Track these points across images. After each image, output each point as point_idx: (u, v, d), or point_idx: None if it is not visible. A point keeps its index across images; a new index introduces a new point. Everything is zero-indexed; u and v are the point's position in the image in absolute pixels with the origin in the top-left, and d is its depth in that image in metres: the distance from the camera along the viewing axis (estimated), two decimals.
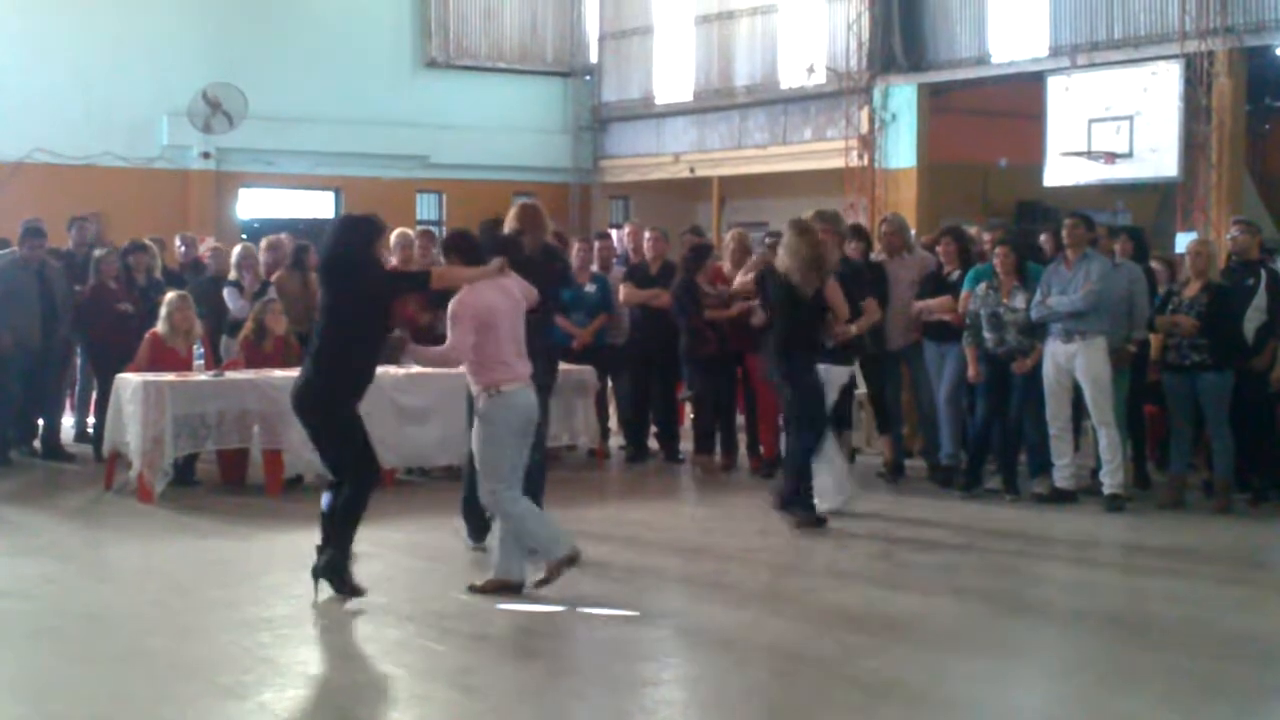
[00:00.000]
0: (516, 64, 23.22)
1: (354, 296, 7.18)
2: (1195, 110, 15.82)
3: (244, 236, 17.76)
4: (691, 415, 12.31)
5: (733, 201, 22.60)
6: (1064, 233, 10.07)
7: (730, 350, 11.25)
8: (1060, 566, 8.57)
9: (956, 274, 10.64)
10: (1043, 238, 10.88)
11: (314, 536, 7.32)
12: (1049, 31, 17.52)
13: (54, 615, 7.08)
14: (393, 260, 11.34)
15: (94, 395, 12.18)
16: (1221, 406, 9.80)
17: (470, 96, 22.54)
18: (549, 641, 6.79)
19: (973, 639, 6.75)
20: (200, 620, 6.97)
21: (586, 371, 11.53)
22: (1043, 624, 7.24)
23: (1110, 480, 9.82)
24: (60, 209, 14.90)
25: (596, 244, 12.50)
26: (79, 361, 12.70)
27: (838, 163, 19.41)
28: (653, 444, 12.18)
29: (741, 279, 10.45)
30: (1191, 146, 15.89)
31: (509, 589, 7.27)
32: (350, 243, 7.26)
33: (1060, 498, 9.97)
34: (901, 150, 19.10)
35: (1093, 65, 16.80)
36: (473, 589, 7.34)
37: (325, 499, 7.29)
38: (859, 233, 11.06)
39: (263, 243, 12.34)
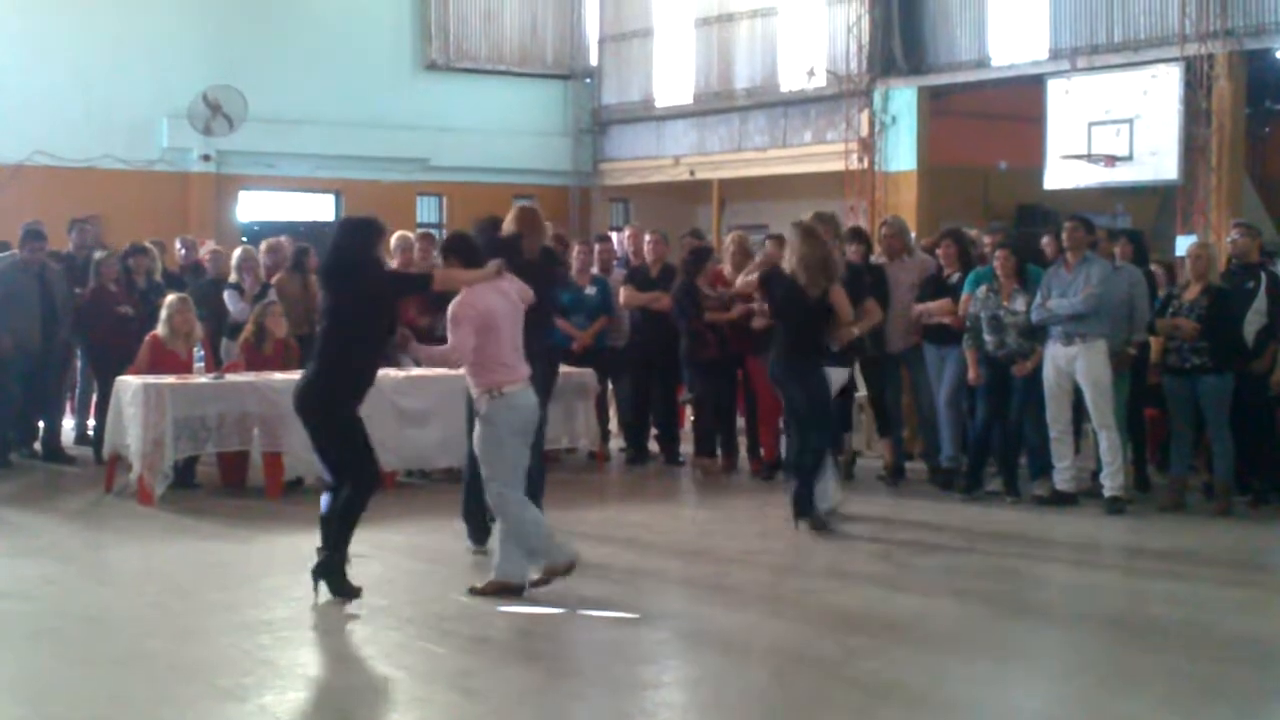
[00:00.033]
0: (516, 67, 23.22)
1: (355, 298, 7.19)
2: (1195, 113, 15.83)
3: (244, 239, 17.76)
4: (692, 418, 12.31)
5: (733, 204, 22.61)
6: (1064, 236, 10.08)
7: (730, 353, 11.25)
8: (1061, 569, 8.56)
9: (956, 277, 10.64)
10: (1045, 240, 10.88)
11: (314, 539, 7.31)
12: (1049, 34, 17.52)
13: (54, 617, 7.08)
14: (393, 263, 11.34)
15: (94, 398, 12.18)
16: (1222, 409, 9.80)
17: (470, 99, 22.54)
18: (549, 644, 6.79)
19: (973, 641, 6.75)
20: (200, 622, 6.97)
21: (587, 374, 11.53)
22: (1043, 626, 7.24)
23: (1111, 483, 9.82)
24: (60, 211, 14.91)
25: (597, 247, 12.51)
26: (79, 364, 12.70)
27: (838, 165, 19.42)
28: (653, 446, 12.18)
29: (745, 279, 10.44)
30: (1191, 149, 15.89)
31: (509, 591, 7.27)
32: (352, 245, 7.27)
33: (1061, 500, 9.97)
34: (901, 153, 19.10)
35: (1093, 68, 16.80)
36: (473, 591, 7.34)
37: (324, 501, 7.29)
38: (859, 235, 11.08)
39: (263, 245, 12.35)
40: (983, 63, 18.40)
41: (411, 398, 10.50)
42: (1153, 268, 11.14)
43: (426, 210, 22.52)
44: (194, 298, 11.25)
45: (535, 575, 7.32)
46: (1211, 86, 15.77)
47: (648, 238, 12.28)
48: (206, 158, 20.17)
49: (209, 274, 12.63)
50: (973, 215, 18.09)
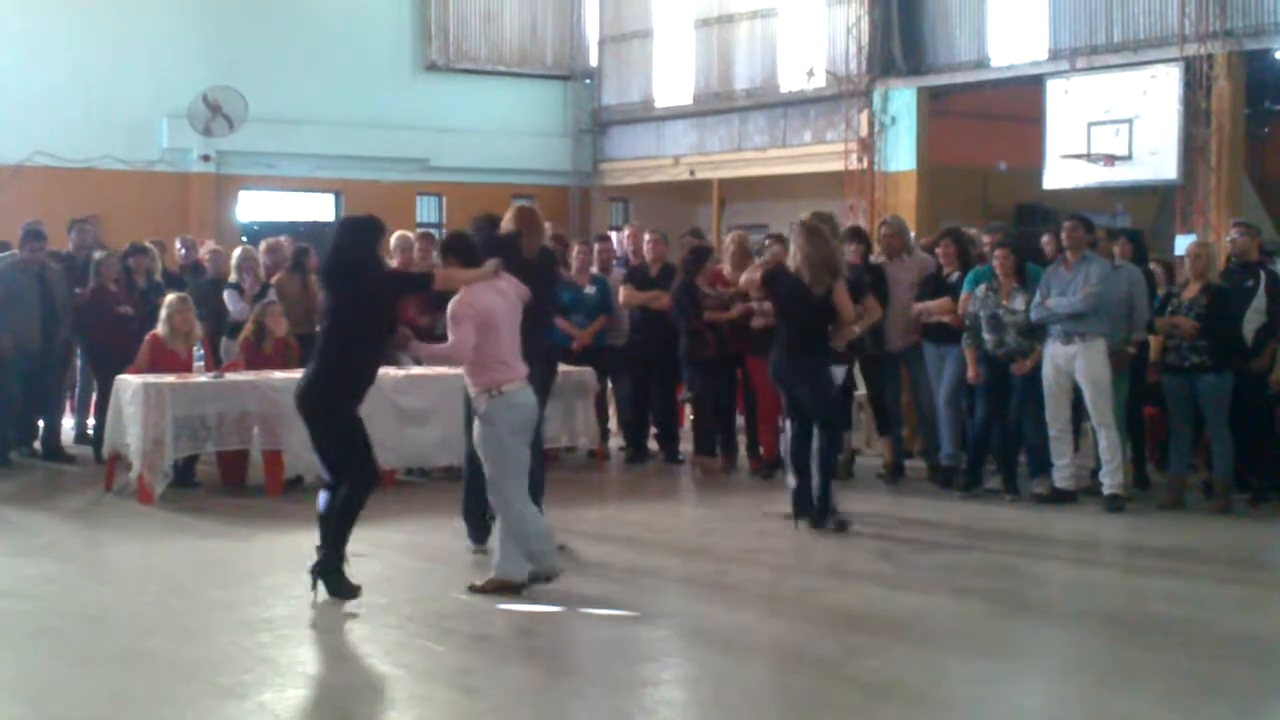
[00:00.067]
0: (516, 67, 23.23)
1: (356, 297, 7.19)
2: (1194, 113, 15.84)
3: (244, 239, 17.76)
4: (691, 416, 12.31)
5: (733, 204, 22.61)
6: (1063, 235, 10.09)
7: (730, 352, 11.25)
8: (1060, 567, 8.56)
9: (956, 276, 10.65)
10: (1045, 239, 10.89)
11: (314, 537, 7.31)
12: (1048, 35, 17.53)
13: (54, 616, 7.09)
14: (393, 263, 11.35)
15: (94, 397, 12.18)
16: (1221, 408, 9.81)
17: (470, 100, 22.55)
18: (549, 642, 6.79)
19: (973, 639, 6.75)
20: (200, 621, 6.97)
21: (586, 373, 11.54)
22: (1043, 624, 7.25)
23: (1110, 481, 9.83)
24: (60, 212, 14.91)
25: (596, 246, 12.51)
26: (79, 363, 12.70)
27: (837, 165, 19.43)
28: (652, 445, 12.19)
29: (749, 277, 10.43)
30: (1191, 149, 15.90)
31: (509, 589, 7.28)
32: (352, 244, 7.28)
33: (1060, 498, 9.97)
34: (901, 153, 19.11)
35: (1092, 68, 16.81)
36: (473, 589, 7.35)
37: (322, 499, 7.29)
38: (858, 235, 11.07)
39: (262, 245, 12.36)
40: (982, 63, 18.41)
41: (411, 396, 10.51)
42: (1152, 267, 11.15)
43: (426, 210, 22.53)
44: (194, 297, 11.25)
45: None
46: (1211, 86, 15.78)
47: (647, 237, 12.29)
48: (206, 158, 20.18)
49: (209, 274, 12.64)
50: (972, 215, 18.10)
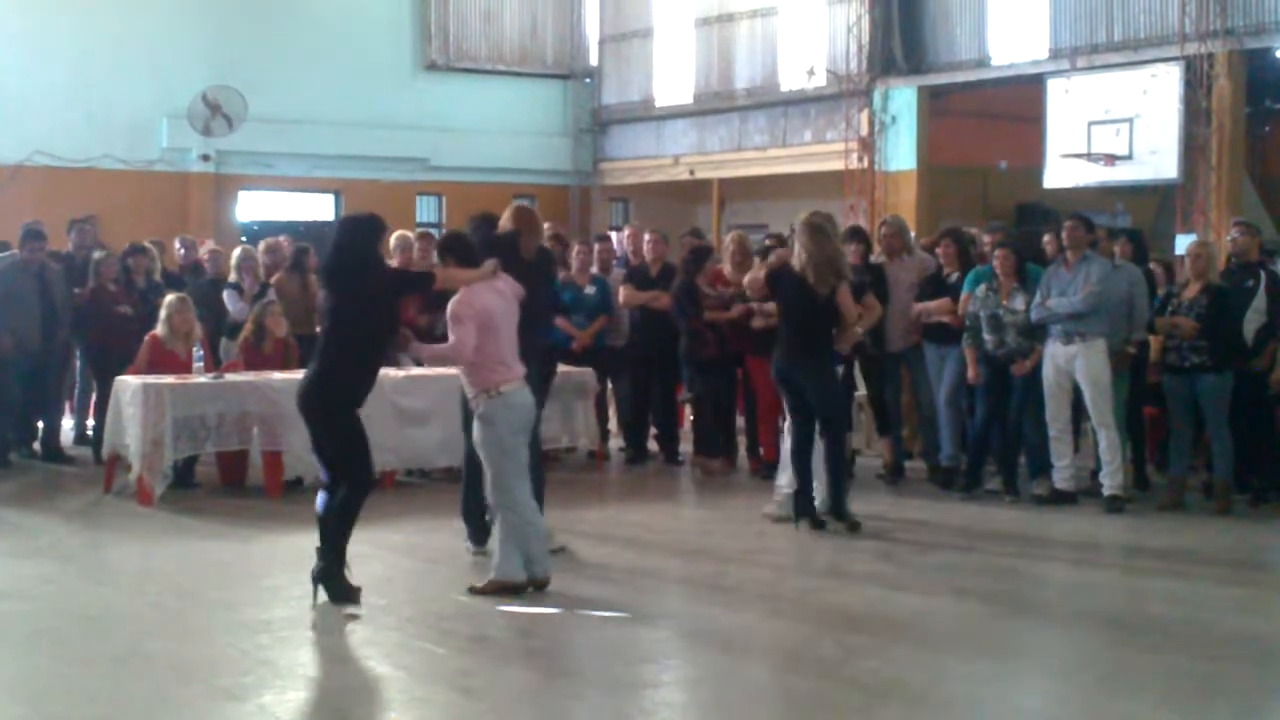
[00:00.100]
0: (516, 66, 23.23)
1: (358, 296, 7.18)
2: (1195, 112, 15.83)
3: (243, 239, 17.77)
4: (691, 417, 12.31)
5: (733, 204, 22.61)
6: (1063, 234, 10.08)
7: (730, 352, 11.25)
8: (1060, 568, 8.56)
9: (956, 276, 10.65)
10: (1046, 239, 10.88)
11: (314, 538, 7.31)
12: (1049, 34, 17.53)
13: (53, 616, 7.08)
14: (393, 263, 11.33)
15: (93, 398, 12.18)
16: (1221, 408, 9.80)
17: (470, 99, 22.55)
18: (549, 643, 6.79)
19: (973, 640, 6.75)
20: (199, 622, 6.97)
21: (586, 373, 11.53)
22: (1043, 625, 7.24)
23: (1110, 482, 9.82)
24: (60, 212, 14.90)
25: (596, 246, 12.50)
26: (78, 364, 12.69)
27: (838, 165, 19.42)
28: (652, 446, 12.19)
29: (753, 276, 10.40)
30: (1191, 149, 15.89)
31: (509, 590, 7.27)
32: (353, 243, 7.26)
33: (1060, 499, 9.97)
34: (901, 153, 19.10)
35: (1092, 68, 16.80)
36: (472, 591, 7.34)
37: (320, 500, 7.28)
38: (858, 235, 11.06)
39: (262, 245, 12.37)
40: (983, 62, 18.41)
41: (411, 397, 10.50)
42: (1152, 266, 11.14)
43: (426, 210, 22.52)
44: (193, 297, 11.24)
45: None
46: (1211, 86, 15.77)
47: (647, 237, 12.28)
48: (206, 158, 20.18)
49: (208, 274, 12.64)
50: (972, 215, 18.09)
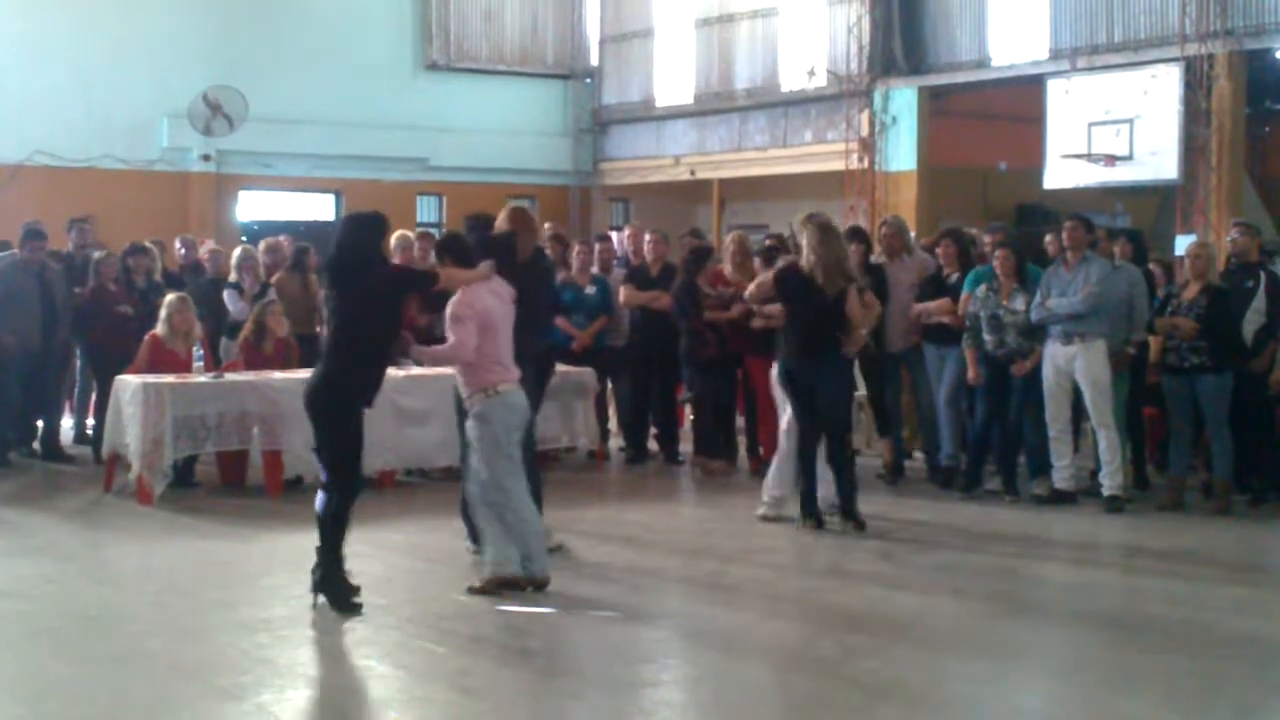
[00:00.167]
0: (517, 67, 23.21)
1: (363, 294, 7.17)
2: (1195, 113, 15.82)
3: (243, 239, 17.75)
4: (691, 417, 12.31)
5: (733, 204, 22.60)
6: (1063, 235, 10.08)
7: (730, 352, 11.25)
8: (1060, 568, 8.56)
9: (956, 276, 10.65)
10: (1049, 239, 10.88)
11: (313, 537, 7.30)
12: (1049, 34, 17.51)
13: (52, 616, 7.08)
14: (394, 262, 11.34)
15: (93, 397, 12.18)
16: (1221, 408, 9.80)
17: (470, 99, 22.54)
18: (548, 643, 6.79)
19: (972, 639, 6.75)
20: (199, 621, 6.97)
21: (586, 373, 11.53)
22: (1042, 625, 7.24)
23: (1110, 482, 9.82)
24: (60, 211, 14.88)
25: (597, 246, 12.50)
26: (78, 363, 12.69)
27: (838, 165, 19.41)
28: (652, 446, 12.19)
29: (762, 280, 10.37)
30: (1191, 149, 15.88)
31: (508, 584, 7.28)
32: (356, 241, 7.25)
33: (1060, 499, 9.97)
34: (901, 153, 19.09)
35: (1093, 68, 16.79)
36: (472, 590, 7.35)
37: (320, 499, 7.27)
38: (858, 235, 11.06)
39: (262, 245, 12.36)
40: (983, 63, 18.39)
41: (411, 397, 10.50)
42: (1151, 267, 11.14)
43: (426, 210, 22.51)
44: (193, 297, 11.25)
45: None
46: (1211, 86, 15.76)
47: (647, 237, 12.29)
48: (206, 157, 20.17)
49: (208, 273, 12.64)
50: (972, 215, 18.08)
